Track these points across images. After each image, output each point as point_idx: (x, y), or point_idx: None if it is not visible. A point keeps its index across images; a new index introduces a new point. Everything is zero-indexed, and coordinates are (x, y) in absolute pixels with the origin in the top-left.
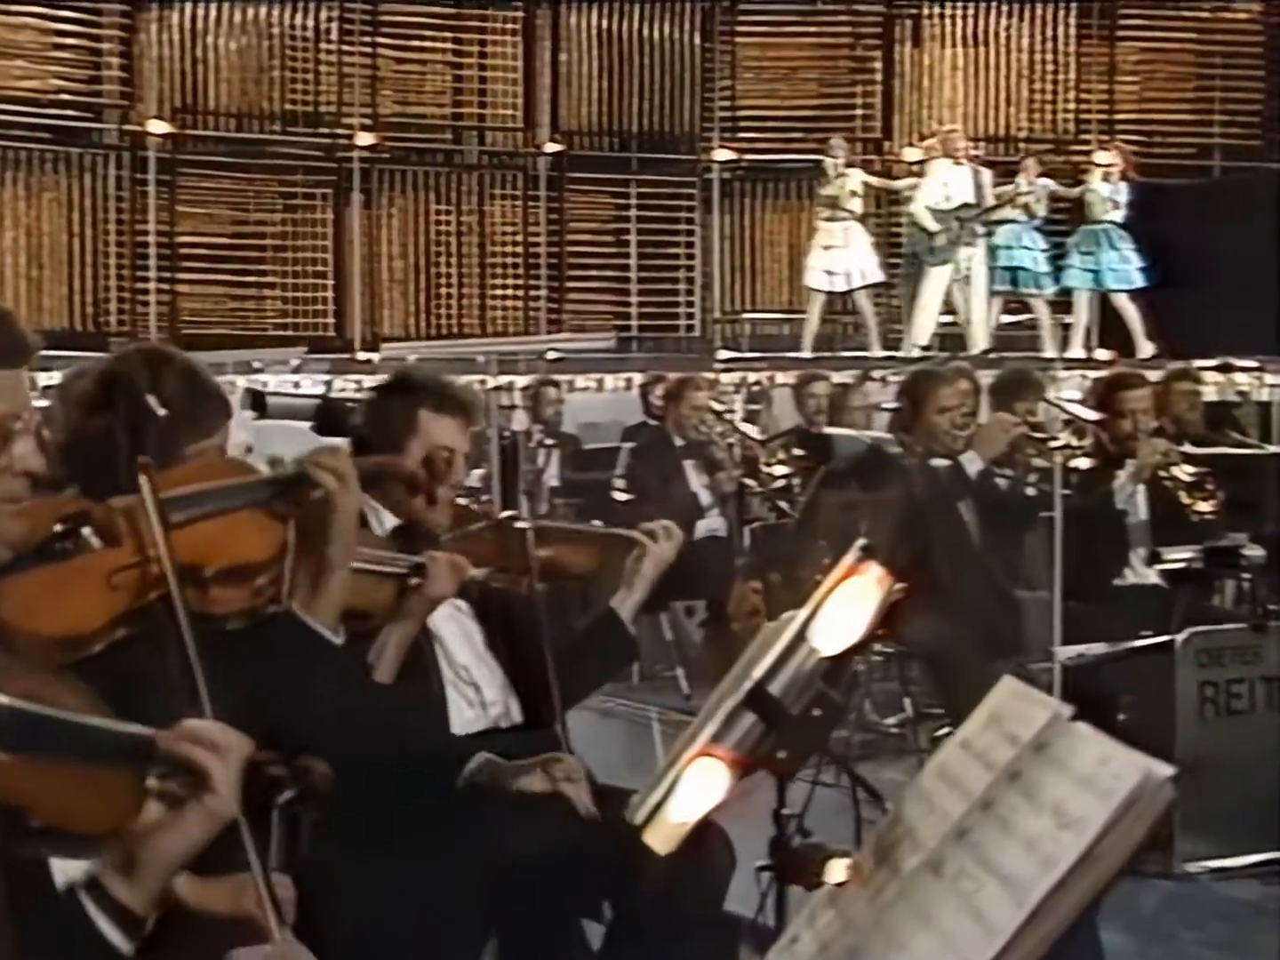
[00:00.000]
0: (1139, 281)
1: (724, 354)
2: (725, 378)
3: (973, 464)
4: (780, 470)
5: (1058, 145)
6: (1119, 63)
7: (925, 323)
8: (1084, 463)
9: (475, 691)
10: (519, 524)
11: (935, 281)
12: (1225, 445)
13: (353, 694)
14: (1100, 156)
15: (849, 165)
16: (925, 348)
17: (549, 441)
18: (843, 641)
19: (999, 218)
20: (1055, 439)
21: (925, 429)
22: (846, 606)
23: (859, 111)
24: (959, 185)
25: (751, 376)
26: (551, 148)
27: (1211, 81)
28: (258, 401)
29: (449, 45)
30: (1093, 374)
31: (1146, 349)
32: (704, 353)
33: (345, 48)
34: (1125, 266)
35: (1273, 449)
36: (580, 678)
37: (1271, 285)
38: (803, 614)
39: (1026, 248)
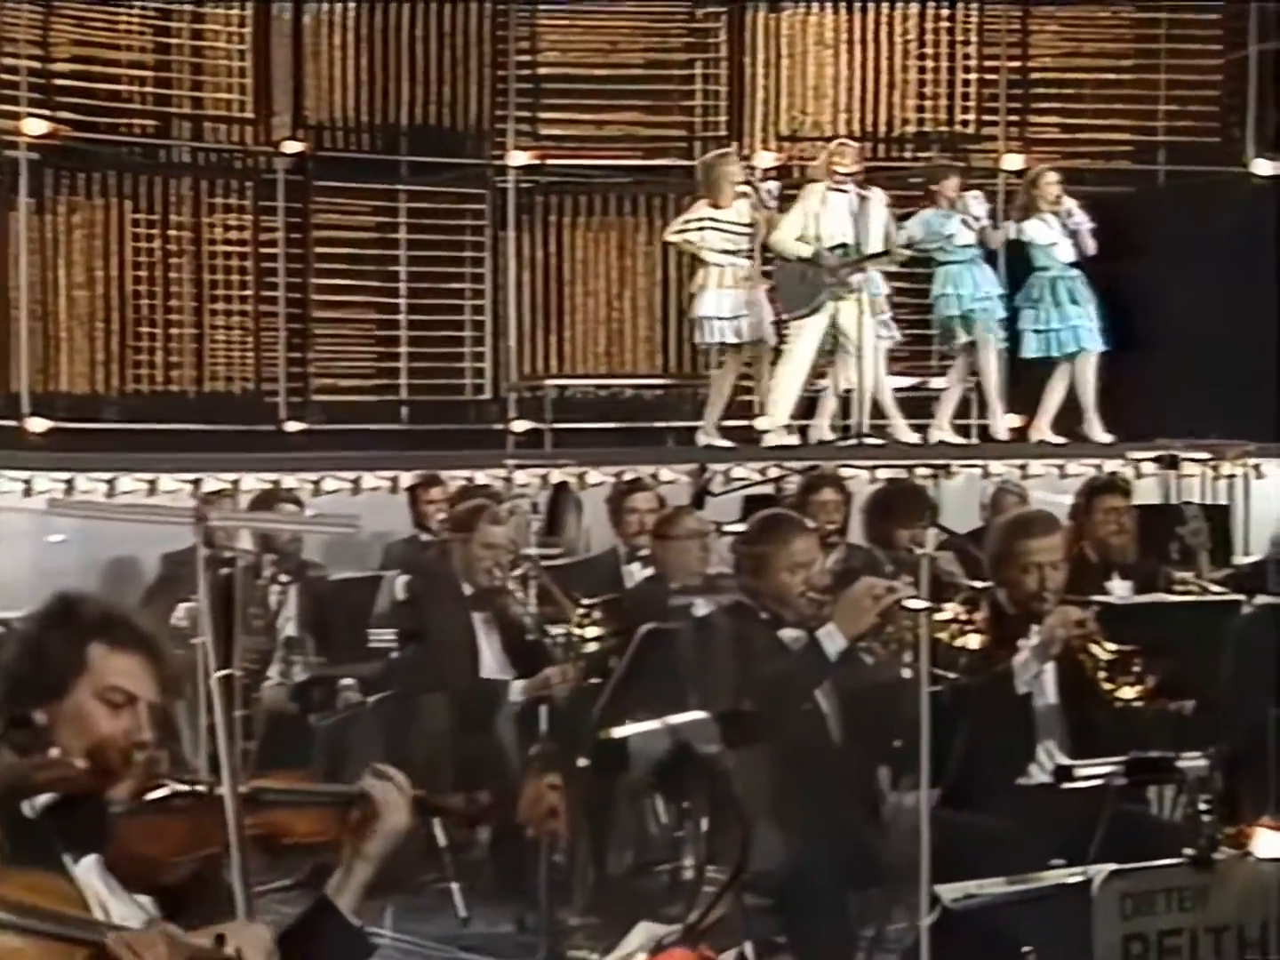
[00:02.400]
0: (1099, 344)
1: (522, 425)
2: (522, 475)
3: (833, 641)
4: (593, 632)
5: (954, 145)
6: (1034, 36)
7: (788, 393)
8: (974, 641)
9: None
10: (220, 790)
11: (805, 338)
12: (1164, 584)
13: None
14: (1049, 180)
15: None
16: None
17: (284, 577)
18: None
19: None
20: (939, 609)
21: (773, 589)
22: None
23: (699, 101)
24: (836, 218)
25: (555, 473)
26: (292, 146)
27: (1154, 59)
28: None
29: (149, 2)
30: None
31: (1099, 432)
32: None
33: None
34: (1086, 324)
35: (1226, 594)
36: None
37: (1246, 341)
38: None
39: (970, 291)
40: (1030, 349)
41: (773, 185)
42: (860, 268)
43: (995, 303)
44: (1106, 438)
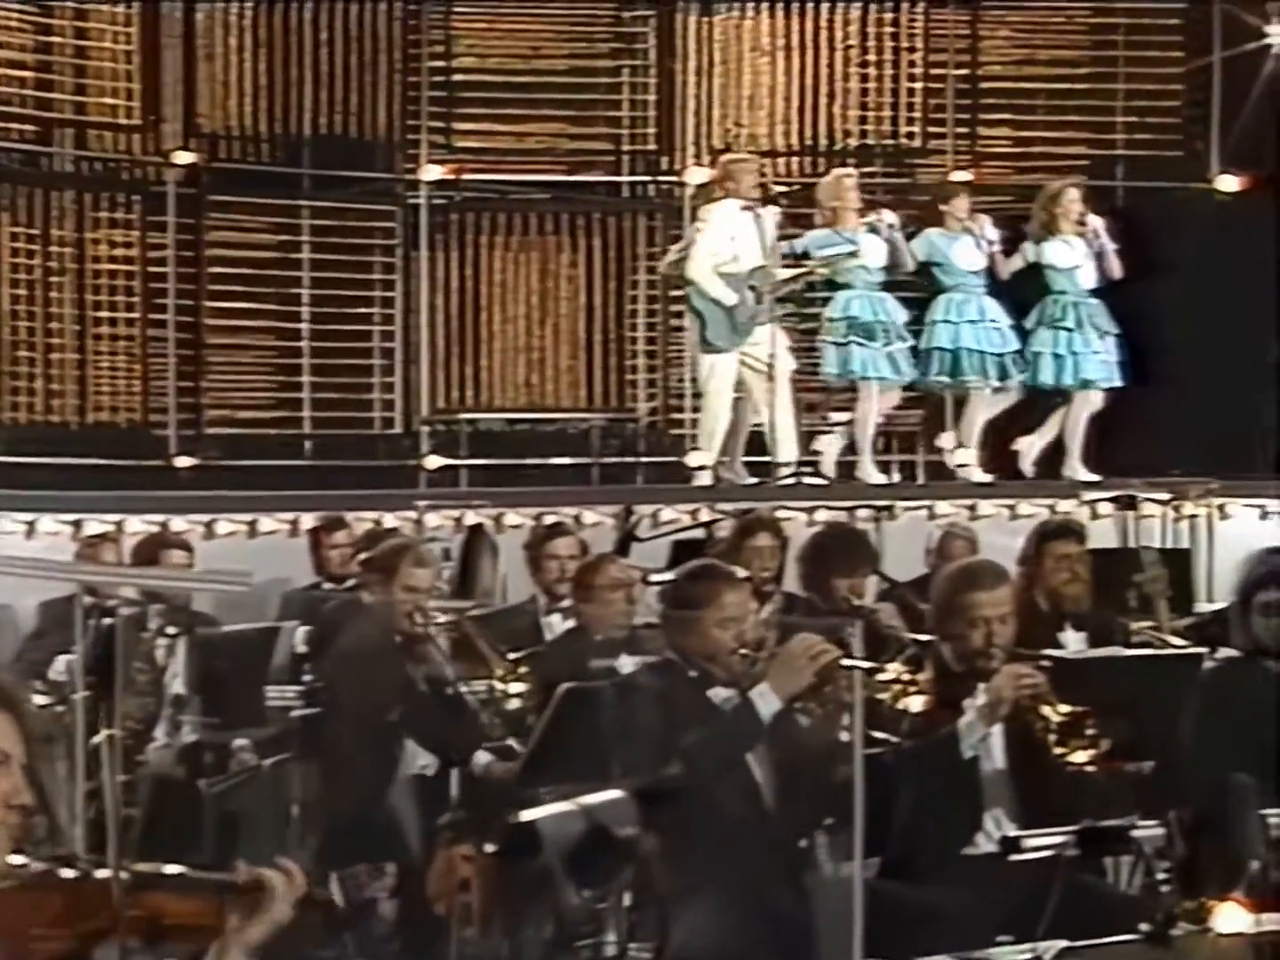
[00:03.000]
0: (1115, 379)
1: (435, 461)
2: (434, 517)
3: (766, 702)
4: (518, 688)
5: (899, 159)
6: (983, 42)
7: (716, 430)
8: (916, 703)
9: None
10: (100, 872)
11: (720, 376)
12: (1121, 636)
13: None
14: (1071, 197)
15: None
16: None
17: (172, 628)
18: None
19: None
20: (879, 668)
21: (702, 646)
22: None
23: (626, 112)
24: (749, 240)
25: (470, 515)
26: (183, 156)
27: (1113, 67)
28: None
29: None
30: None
31: (1081, 471)
32: (408, 465)
33: None
34: (1103, 355)
35: (1187, 646)
36: None
37: (1210, 370)
38: None
39: (973, 321)
40: (1047, 376)
41: (891, 217)
42: (795, 286)
43: (1006, 334)
44: (1091, 476)
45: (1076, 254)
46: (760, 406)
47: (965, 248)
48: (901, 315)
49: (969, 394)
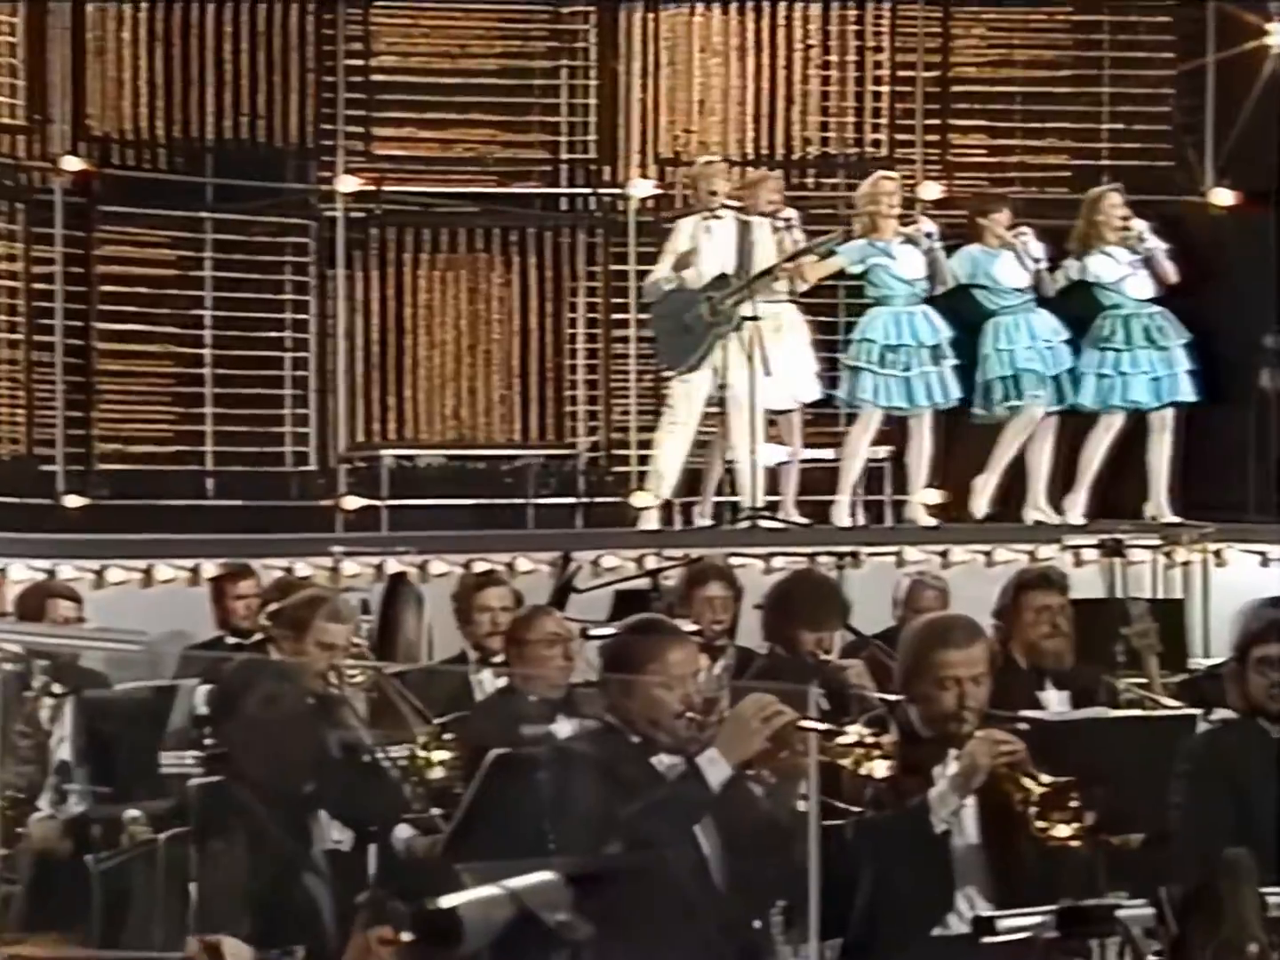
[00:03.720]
0: (1189, 393)
1: (354, 501)
2: (352, 564)
3: (716, 769)
4: (442, 755)
5: (864, 169)
6: (956, 42)
7: (671, 466)
8: (882, 769)
9: None
10: None
11: (685, 399)
12: (1107, 696)
13: None
14: (1113, 203)
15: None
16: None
17: (57, 688)
18: None
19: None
20: (841, 731)
21: (646, 708)
22: None
23: (564, 117)
24: (715, 250)
25: (392, 562)
26: (71, 162)
27: (1097, 69)
28: None
29: None
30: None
31: (1166, 510)
32: (323, 506)
33: None
34: (1169, 371)
35: (1180, 707)
36: None
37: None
38: None
39: (1027, 345)
40: (1087, 396)
41: (930, 226)
42: (747, 295)
43: (1058, 353)
44: (1052, 517)
45: (1122, 265)
46: (733, 440)
47: (1008, 264)
48: (941, 333)
49: (1010, 419)
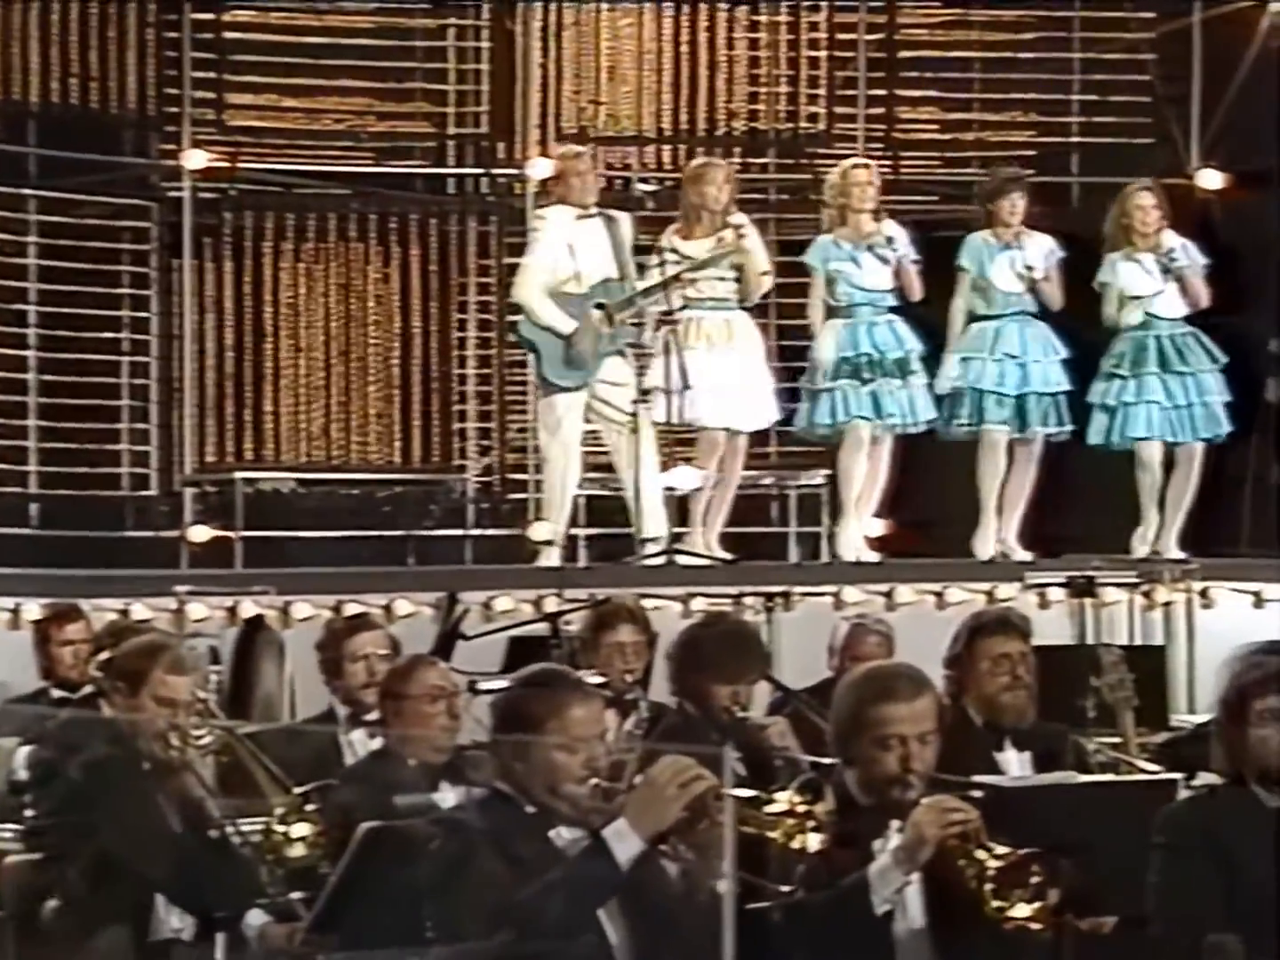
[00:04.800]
0: (1219, 426)
1: (202, 533)
2: (200, 606)
3: (624, 843)
4: (302, 830)
5: (798, 149)
6: (903, 2)
7: (563, 494)
8: (815, 842)
9: None
10: None
11: (568, 424)
12: (1074, 757)
13: None
14: (1144, 202)
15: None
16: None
17: None
18: None
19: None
20: (768, 798)
21: (543, 773)
22: None
23: (451, 85)
24: (592, 250)
25: (248, 604)
26: None
27: (1066, 31)
28: None
29: None
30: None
31: (1175, 550)
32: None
33: None
34: (1196, 400)
35: (1160, 771)
36: None
37: None
38: None
39: (1013, 355)
40: (1096, 434)
41: (893, 229)
42: (648, 303)
43: (1048, 371)
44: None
45: (1154, 276)
46: (621, 466)
47: (1007, 264)
48: (909, 346)
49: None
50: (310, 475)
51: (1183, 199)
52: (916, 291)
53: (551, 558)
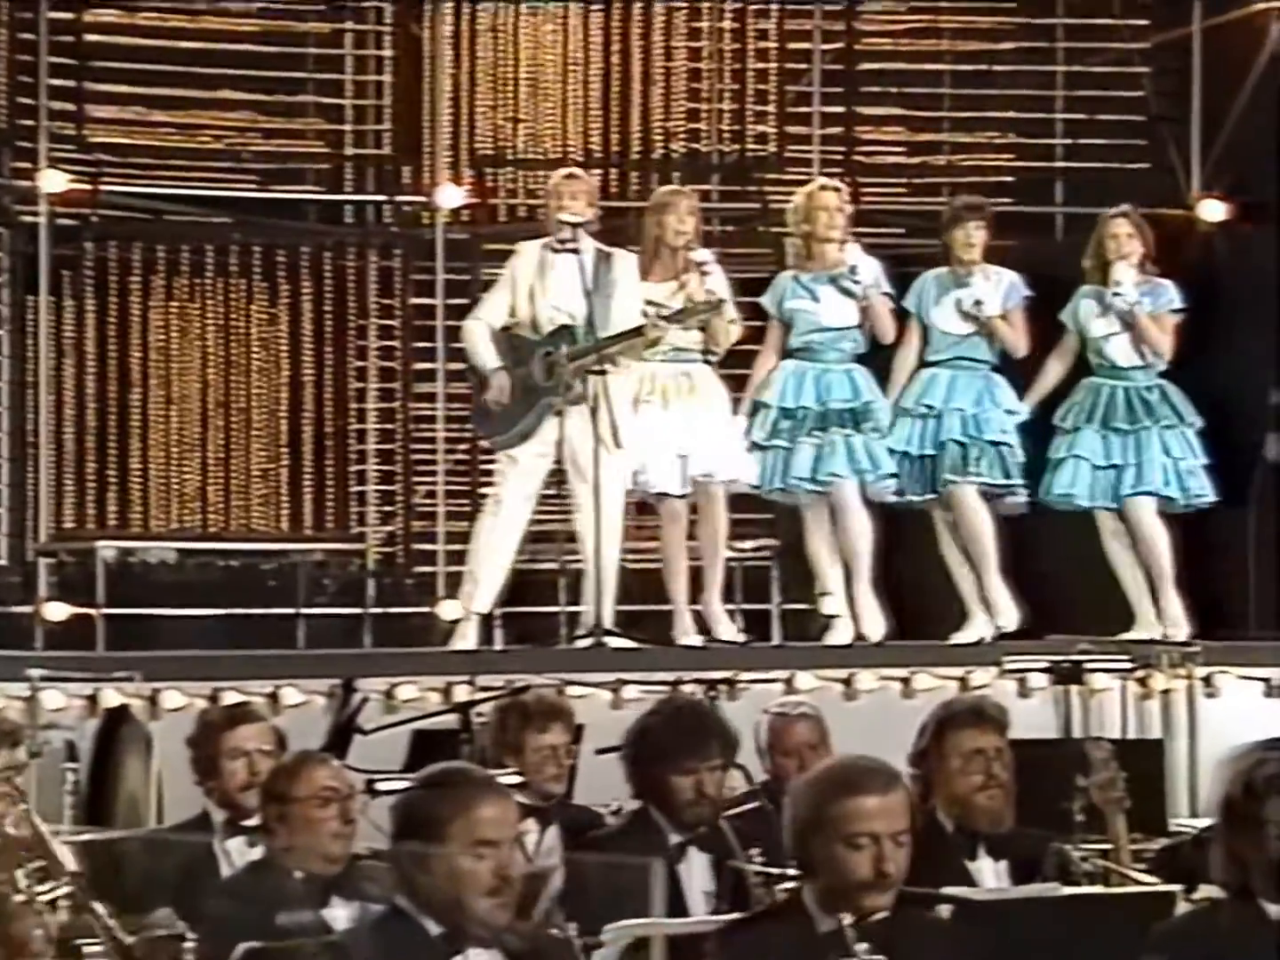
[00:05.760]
0: (1208, 493)
1: (59, 610)
2: (55, 694)
3: None
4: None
5: (744, 174)
6: (863, 11)
7: (493, 566)
8: None
9: None
10: None
11: (511, 479)
12: (1057, 867)
13: None
14: (1119, 229)
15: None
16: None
17: None
18: None
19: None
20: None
21: (447, 887)
22: None
23: (349, 99)
24: (560, 291)
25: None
26: None
27: (1050, 41)
28: None
29: None
30: None
31: (1182, 623)
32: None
33: None
34: (1184, 460)
35: (1155, 883)
36: None
37: None
38: None
39: (958, 409)
40: (1054, 487)
41: (858, 256)
42: (604, 358)
43: (996, 418)
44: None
45: (1108, 317)
46: (581, 536)
47: (952, 304)
48: (867, 398)
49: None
50: (184, 544)
51: (1181, 232)
52: (888, 332)
53: (465, 639)
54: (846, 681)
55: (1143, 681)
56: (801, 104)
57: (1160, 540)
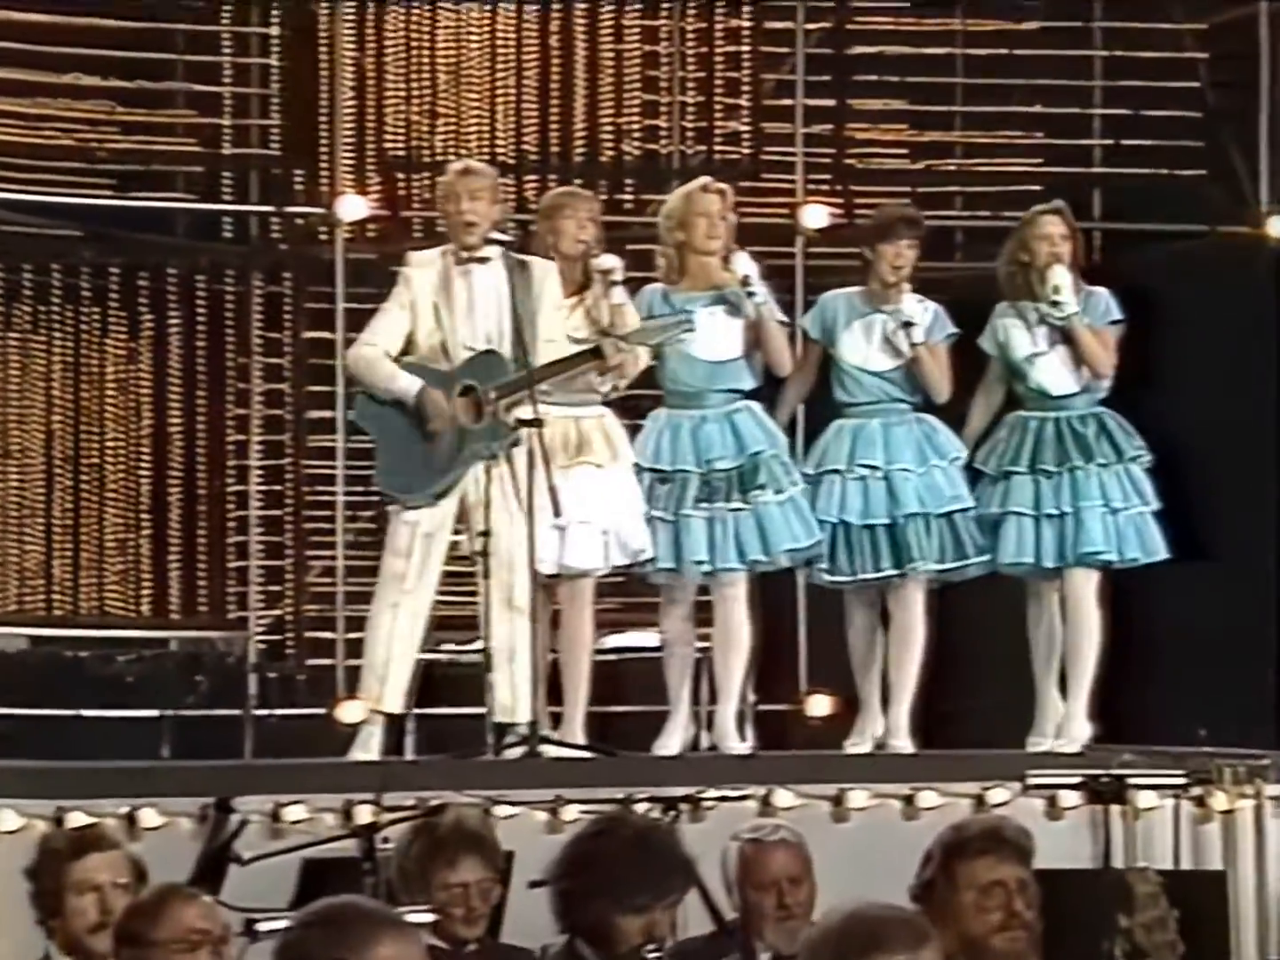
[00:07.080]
0: (1160, 550)
1: None
2: None
3: None
4: None
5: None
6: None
7: (398, 656)
8: None
9: None
10: None
11: (421, 548)
12: None
13: None
14: (1048, 228)
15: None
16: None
17: None
18: None
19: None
20: None
21: None
22: None
23: (227, 87)
24: (474, 310)
25: None
26: None
27: (1084, 20)
28: None
29: None
30: None
31: (1083, 729)
32: None
33: None
34: (1130, 507)
35: None
36: None
37: None
38: None
39: (905, 469)
40: (1002, 556)
41: (747, 266)
42: (529, 390)
43: (946, 478)
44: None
45: (1033, 335)
46: (490, 624)
47: (863, 332)
48: (755, 448)
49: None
50: (22, 630)
51: (1247, 253)
52: (785, 362)
53: (368, 748)
54: (836, 800)
55: (1200, 800)
56: (781, 95)
57: (1093, 633)
